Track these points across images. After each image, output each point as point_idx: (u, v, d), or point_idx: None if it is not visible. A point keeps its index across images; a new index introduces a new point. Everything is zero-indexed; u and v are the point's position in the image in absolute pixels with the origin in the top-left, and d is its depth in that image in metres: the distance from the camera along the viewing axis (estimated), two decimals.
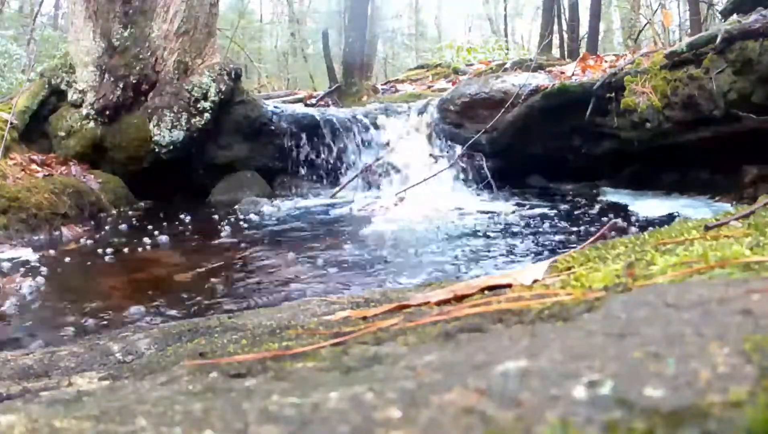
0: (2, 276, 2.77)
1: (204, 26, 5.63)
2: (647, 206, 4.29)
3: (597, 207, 4.34)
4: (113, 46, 5.33)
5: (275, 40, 24.54)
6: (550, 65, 6.81)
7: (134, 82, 5.31)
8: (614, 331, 0.46)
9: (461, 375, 0.41)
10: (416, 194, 4.87)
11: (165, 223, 4.16)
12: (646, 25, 16.24)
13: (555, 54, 13.28)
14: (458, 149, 5.55)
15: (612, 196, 4.91)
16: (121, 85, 5.26)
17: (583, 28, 14.44)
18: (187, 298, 2.44)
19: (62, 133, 5.23)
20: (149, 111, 5.29)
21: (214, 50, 5.79)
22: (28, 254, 3.27)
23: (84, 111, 5.25)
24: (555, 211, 4.22)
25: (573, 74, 5.41)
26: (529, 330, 0.53)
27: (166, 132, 5.23)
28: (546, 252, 3.00)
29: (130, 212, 4.85)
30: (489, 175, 5.12)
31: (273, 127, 5.82)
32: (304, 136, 5.85)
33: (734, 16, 4.51)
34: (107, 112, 5.24)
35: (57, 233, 3.94)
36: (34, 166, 4.66)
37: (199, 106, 5.38)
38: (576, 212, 4.15)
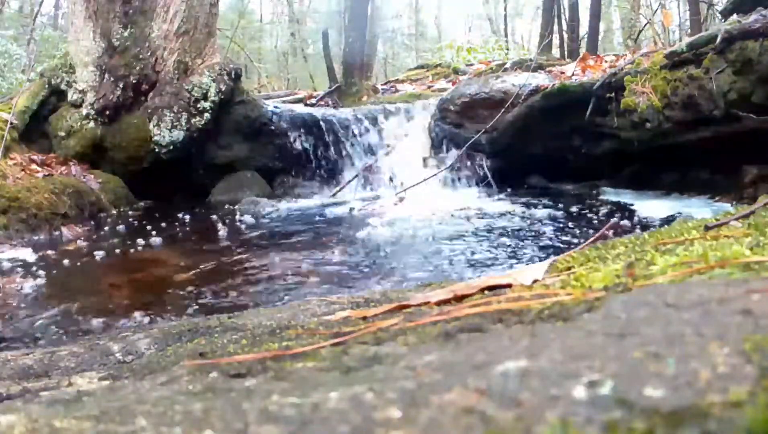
0: (2, 276, 2.77)
1: (204, 26, 5.63)
2: (647, 206, 4.29)
3: (597, 207, 4.34)
4: (113, 46, 5.33)
5: (275, 40, 24.54)
6: (550, 65, 6.81)
7: (134, 82, 5.31)
8: (614, 331, 0.46)
9: (461, 375, 0.41)
10: (416, 194, 4.87)
11: (165, 223, 4.16)
12: (646, 25, 16.24)
13: (555, 54, 13.28)
14: (453, 153, 5.54)
15: (612, 196, 4.91)
16: (121, 85, 5.26)
17: (583, 28, 14.44)
18: (187, 298, 2.44)
19: (62, 133, 5.23)
20: (149, 111, 5.29)
21: (214, 50, 5.79)
22: (28, 254, 3.27)
23: (84, 111, 5.25)
24: (555, 211, 4.22)
25: (573, 74, 5.41)
26: (529, 330, 0.53)
27: (166, 132, 5.23)
28: (546, 253, 3.00)
29: (130, 212, 4.85)
30: (489, 175, 5.11)
31: (273, 127, 5.82)
32: (304, 136, 5.85)
33: (734, 16, 4.51)
34: (107, 112, 5.25)
35: (57, 233, 3.94)
36: (34, 166, 4.66)
37: (199, 106, 5.38)
38: (576, 212, 4.15)
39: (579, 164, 5.34)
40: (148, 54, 5.36)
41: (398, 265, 2.93)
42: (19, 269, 2.94)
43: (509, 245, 3.27)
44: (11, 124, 4.88)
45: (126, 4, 5.35)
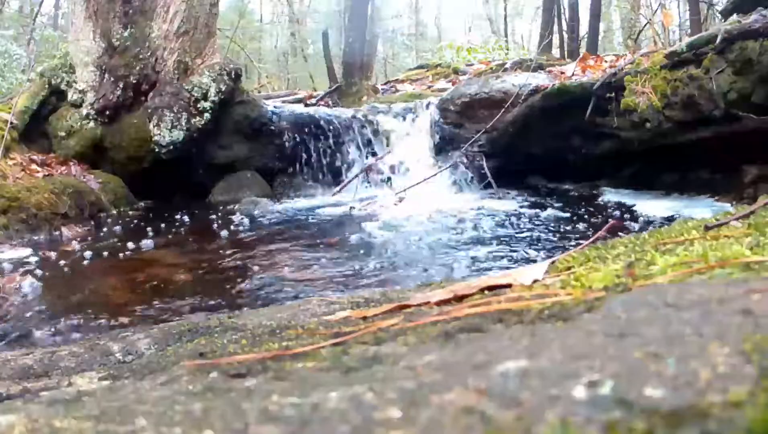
0: (2, 276, 2.77)
1: (204, 26, 5.63)
2: (647, 206, 4.29)
3: (597, 207, 4.34)
4: (113, 46, 5.33)
5: (275, 40, 24.56)
6: (550, 65, 6.81)
7: (134, 82, 5.31)
8: (614, 331, 0.46)
9: (461, 375, 0.41)
10: (416, 194, 4.87)
11: (165, 224, 4.16)
12: (646, 25, 16.23)
13: (555, 54, 13.27)
14: (453, 153, 5.54)
15: (612, 195, 4.91)
16: (121, 85, 5.26)
17: (583, 28, 14.43)
18: (186, 298, 2.44)
19: (62, 133, 5.23)
20: (149, 111, 5.29)
21: (214, 50, 5.79)
22: (28, 254, 3.27)
23: (84, 111, 5.25)
24: (555, 211, 4.22)
25: (573, 74, 5.41)
26: (529, 330, 0.53)
27: (166, 132, 5.23)
28: (546, 252, 3.00)
29: (130, 212, 4.85)
30: (489, 175, 5.11)
31: (273, 127, 5.82)
32: (304, 136, 5.85)
33: (734, 16, 4.52)
34: (107, 112, 5.25)
35: (57, 233, 3.94)
36: (34, 166, 4.66)
37: (199, 106, 5.38)
38: (576, 212, 4.15)
39: (579, 164, 5.34)
40: (148, 54, 5.36)
41: (398, 265, 2.93)
42: (19, 269, 2.94)
43: (509, 245, 3.27)
44: (11, 124, 4.88)
45: (126, 4, 5.35)
